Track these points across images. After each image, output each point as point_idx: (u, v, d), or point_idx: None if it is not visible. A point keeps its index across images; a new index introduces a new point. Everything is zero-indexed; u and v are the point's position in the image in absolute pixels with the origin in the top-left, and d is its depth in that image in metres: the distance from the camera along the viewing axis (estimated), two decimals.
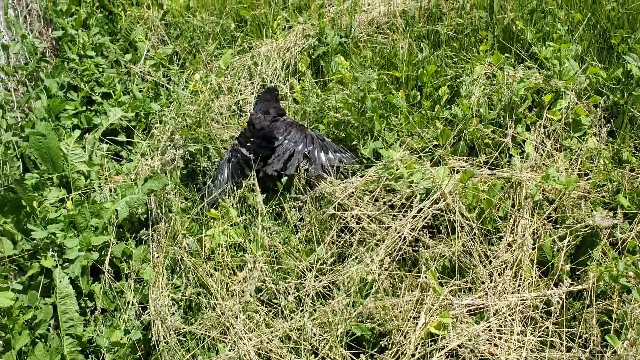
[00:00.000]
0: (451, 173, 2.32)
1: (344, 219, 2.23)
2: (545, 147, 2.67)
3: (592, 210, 2.22)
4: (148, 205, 2.63)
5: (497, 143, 2.65)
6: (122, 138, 3.02)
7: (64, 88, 3.09)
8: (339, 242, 2.23)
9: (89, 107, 3.09)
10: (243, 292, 1.97)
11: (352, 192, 2.28)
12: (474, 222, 2.18)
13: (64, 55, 3.21)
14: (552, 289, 1.98)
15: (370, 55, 3.19)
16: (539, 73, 2.97)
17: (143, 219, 2.69)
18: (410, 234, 2.15)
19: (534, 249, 2.18)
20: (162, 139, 2.86)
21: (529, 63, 2.96)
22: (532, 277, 2.05)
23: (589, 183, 2.43)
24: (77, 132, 2.74)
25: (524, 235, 2.20)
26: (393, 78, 2.97)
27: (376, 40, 3.31)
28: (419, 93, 2.95)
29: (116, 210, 2.47)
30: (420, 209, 2.19)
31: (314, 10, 3.68)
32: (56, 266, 2.28)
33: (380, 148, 2.50)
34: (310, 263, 2.11)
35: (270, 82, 2.96)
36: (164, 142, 2.81)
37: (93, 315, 2.25)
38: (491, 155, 2.62)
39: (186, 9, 3.57)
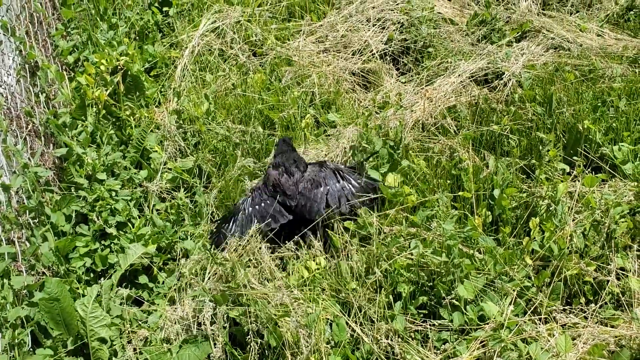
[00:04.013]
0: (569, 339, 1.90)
1: None
2: None
3: None
4: None
5: (599, 282, 2.26)
6: (143, 280, 2.54)
7: (72, 219, 2.62)
8: None
9: (102, 242, 2.62)
10: None
11: None
12: None
13: (70, 178, 2.74)
14: None
15: (424, 164, 2.80)
16: (623, 184, 2.62)
17: None
18: None
19: None
20: (194, 284, 2.40)
21: (616, 181, 2.61)
22: None
23: None
24: (95, 289, 2.26)
25: None
26: (459, 198, 2.58)
27: (427, 145, 2.93)
28: (489, 213, 2.56)
29: None
30: None
31: (346, 108, 3.31)
32: None
33: (479, 301, 2.07)
34: None
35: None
36: (199, 290, 2.35)
37: None
38: (596, 299, 2.23)
39: (206, 114, 3.15)
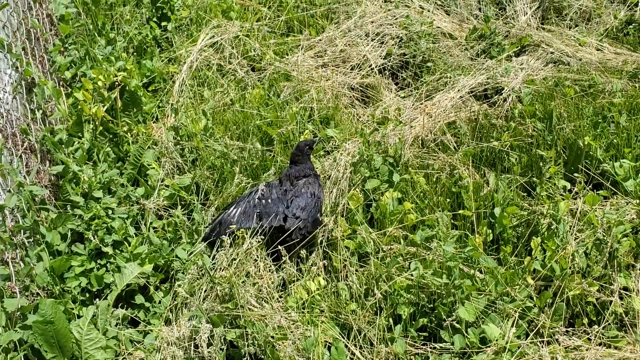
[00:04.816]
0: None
1: None
2: None
3: None
4: None
5: (602, 302, 2.23)
6: (139, 300, 2.51)
7: (68, 238, 2.58)
8: None
9: (98, 261, 2.58)
10: None
11: None
12: None
13: (66, 196, 2.71)
14: None
15: (423, 182, 2.77)
16: (625, 202, 2.59)
17: None
18: None
19: None
20: (191, 305, 2.36)
21: (617, 198, 2.59)
22: None
23: None
24: (91, 310, 2.23)
25: None
26: (460, 216, 2.55)
27: (426, 161, 2.90)
28: (490, 231, 2.53)
29: None
30: None
31: (345, 124, 3.28)
32: None
33: (481, 323, 2.04)
34: None
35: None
36: (195, 310, 2.31)
37: None
38: (599, 320, 2.19)
39: (204, 130, 3.12)
